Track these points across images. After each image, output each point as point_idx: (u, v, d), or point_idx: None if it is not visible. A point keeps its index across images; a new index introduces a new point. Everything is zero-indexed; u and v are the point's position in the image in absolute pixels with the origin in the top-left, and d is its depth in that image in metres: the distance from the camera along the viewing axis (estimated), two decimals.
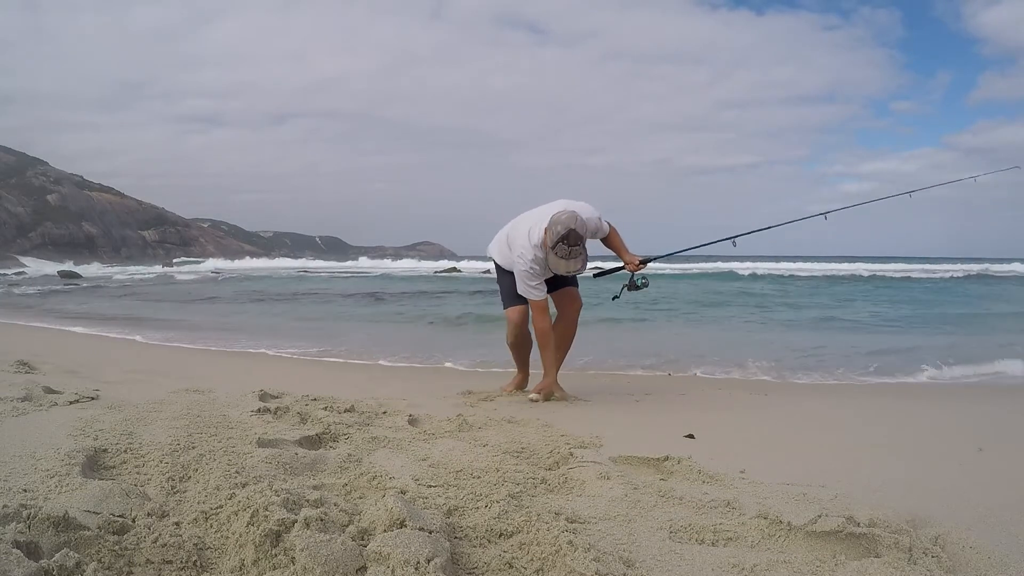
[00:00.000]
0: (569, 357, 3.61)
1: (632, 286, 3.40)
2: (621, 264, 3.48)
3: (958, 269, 28.85)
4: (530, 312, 3.32)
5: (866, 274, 24.21)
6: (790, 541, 1.36)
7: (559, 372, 3.39)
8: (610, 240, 3.45)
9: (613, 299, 3.53)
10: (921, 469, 2.11)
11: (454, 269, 30.29)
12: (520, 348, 3.51)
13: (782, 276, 22.33)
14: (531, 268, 3.21)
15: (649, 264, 3.43)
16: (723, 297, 12.67)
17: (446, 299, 12.44)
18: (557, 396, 3.31)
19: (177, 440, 1.77)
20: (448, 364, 4.68)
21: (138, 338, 6.24)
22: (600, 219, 3.32)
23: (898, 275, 23.39)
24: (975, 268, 30.37)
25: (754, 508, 1.54)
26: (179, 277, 24.58)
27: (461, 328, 7.56)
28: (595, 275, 3.71)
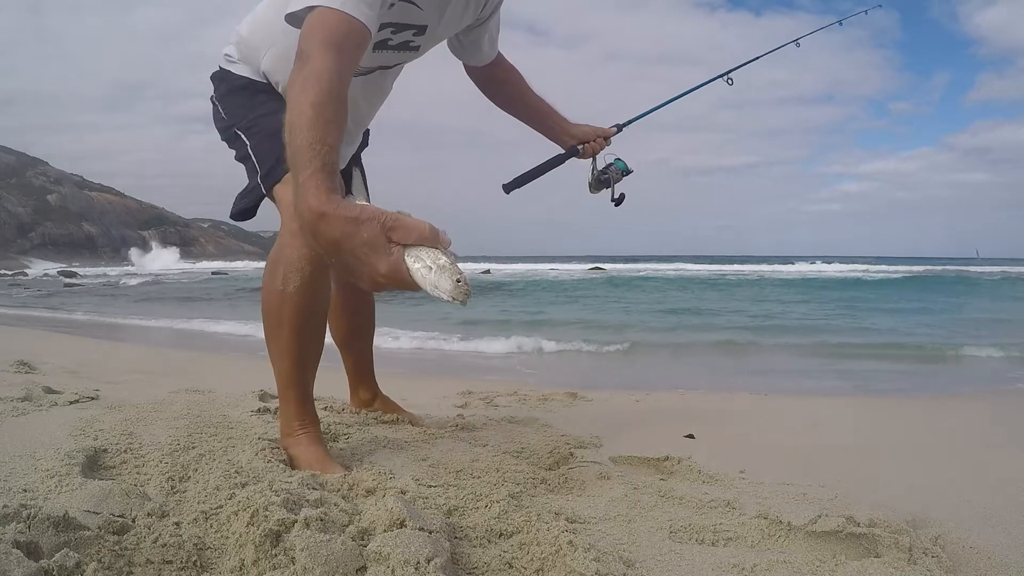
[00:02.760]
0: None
1: (616, 176, 2.12)
2: (564, 152, 2.07)
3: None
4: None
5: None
6: (790, 541, 1.36)
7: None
8: (519, 92, 2.02)
9: (616, 204, 2.15)
10: (921, 469, 2.10)
11: None
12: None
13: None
14: None
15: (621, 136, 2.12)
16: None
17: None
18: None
19: (177, 440, 1.76)
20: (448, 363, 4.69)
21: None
22: None
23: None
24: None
25: (754, 508, 1.54)
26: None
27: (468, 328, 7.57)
28: (507, 187, 2.13)
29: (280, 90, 1.65)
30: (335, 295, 1.97)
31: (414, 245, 0.98)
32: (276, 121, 1.43)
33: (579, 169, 2.17)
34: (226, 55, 1.74)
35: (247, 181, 1.68)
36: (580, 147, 2.07)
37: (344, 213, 0.98)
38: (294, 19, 1.29)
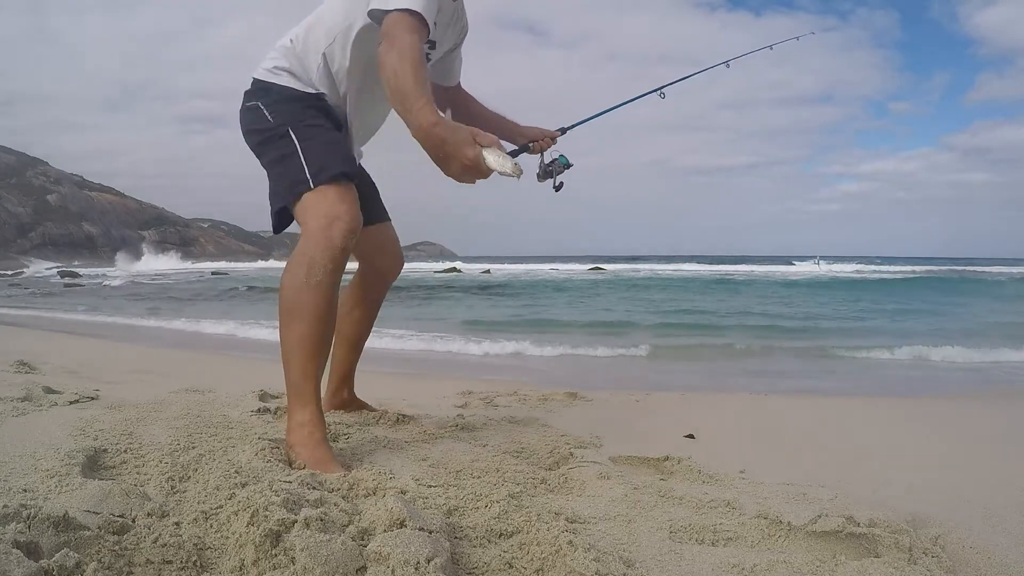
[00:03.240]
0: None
1: (558, 169, 2.34)
2: (517, 148, 2.32)
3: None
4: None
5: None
6: (790, 541, 1.36)
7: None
8: (475, 106, 2.33)
9: (557, 190, 2.35)
10: (921, 469, 2.10)
11: (454, 269, 30.36)
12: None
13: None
14: None
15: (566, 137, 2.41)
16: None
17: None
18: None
19: (177, 440, 1.77)
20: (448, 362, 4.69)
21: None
22: None
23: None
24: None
25: (754, 508, 1.54)
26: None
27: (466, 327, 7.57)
28: None
29: (340, 76, 1.89)
30: (356, 291, 2.26)
31: (487, 146, 1.55)
32: (328, 136, 1.84)
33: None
34: (274, 68, 1.89)
35: (274, 183, 1.84)
36: (530, 144, 2.36)
37: (449, 123, 1.54)
38: (374, 14, 1.70)
